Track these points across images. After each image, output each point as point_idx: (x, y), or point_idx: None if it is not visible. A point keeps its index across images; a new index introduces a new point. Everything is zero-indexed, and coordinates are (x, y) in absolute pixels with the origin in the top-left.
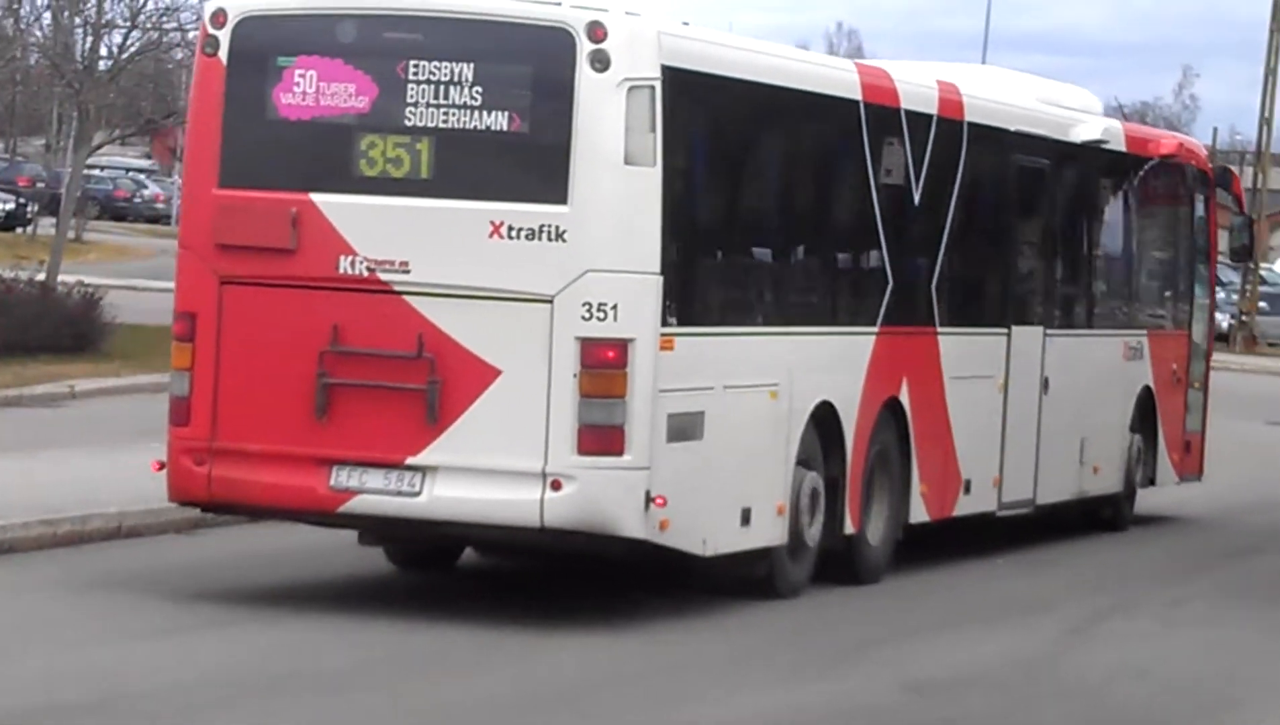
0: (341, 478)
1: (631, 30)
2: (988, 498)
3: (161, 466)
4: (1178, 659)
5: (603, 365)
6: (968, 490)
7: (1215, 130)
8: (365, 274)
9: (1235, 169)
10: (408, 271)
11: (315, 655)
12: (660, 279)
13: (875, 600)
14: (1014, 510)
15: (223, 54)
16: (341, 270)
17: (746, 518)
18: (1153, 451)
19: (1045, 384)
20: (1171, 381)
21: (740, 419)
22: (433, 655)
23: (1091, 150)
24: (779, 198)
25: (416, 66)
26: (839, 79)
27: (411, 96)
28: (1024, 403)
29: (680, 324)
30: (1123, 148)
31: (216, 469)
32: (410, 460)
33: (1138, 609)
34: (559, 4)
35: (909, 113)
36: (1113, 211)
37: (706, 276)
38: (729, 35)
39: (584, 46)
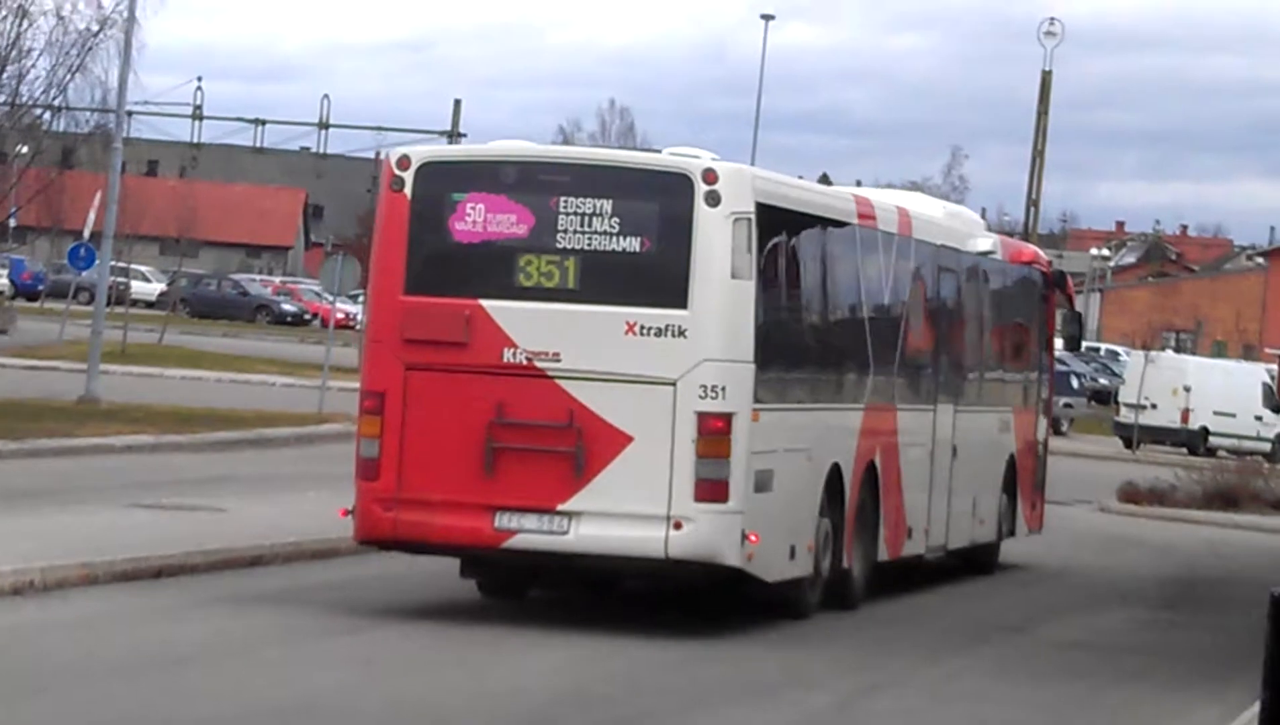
0: (504, 520)
1: (734, 174)
2: (920, 543)
3: (348, 513)
4: None
5: (714, 433)
6: (910, 536)
7: (984, 210)
8: (525, 362)
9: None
10: (559, 361)
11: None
12: (754, 367)
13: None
14: (934, 554)
15: (407, 190)
16: (505, 359)
17: (792, 553)
18: (1013, 509)
19: (954, 451)
20: (1027, 450)
21: (791, 476)
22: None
23: (984, 259)
24: (818, 304)
25: (565, 202)
26: (839, 206)
27: (561, 225)
28: (942, 466)
29: (762, 402)
30: (1001, 256)
31: (401, 514)
32: (560, 506)
33: (907, 685)
34: (698, 156)
35: (883, 233)
36: (994, 307)
37: (778, 365)
38: (791, 178)
39: (700, 188)
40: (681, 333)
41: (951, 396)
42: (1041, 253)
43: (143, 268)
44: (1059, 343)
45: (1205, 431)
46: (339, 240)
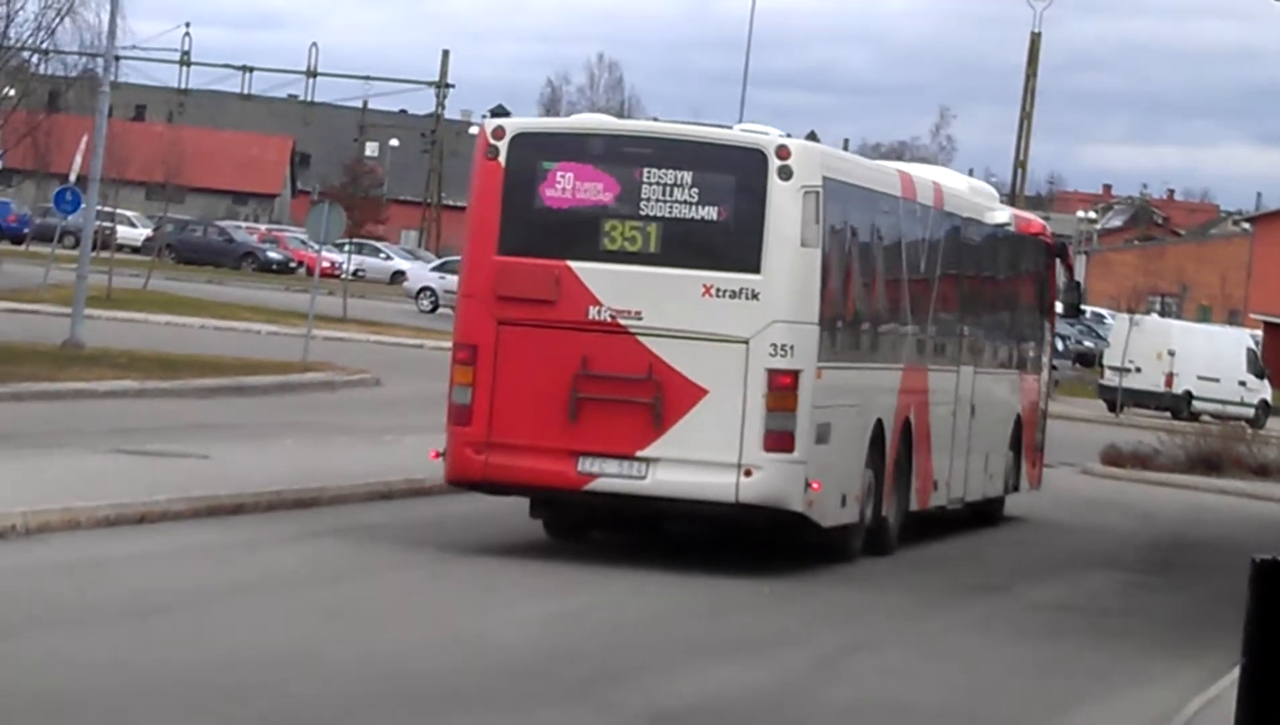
0: (586, 465)
1: (805, 150)
2: (944, 495)
3: (439, 455)
4: (928, 692)
5: (782, 388)
6: (936, 488)
7: (971, 171)
8: (608, 320)
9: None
10: (640, 318)
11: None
12: (818, 328)
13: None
14: (954, 505)
15: (501, 159)
16: (590, 317)
17: (843, 501)
18: (1018, 466)
19: (973, 410)
20: (1030, 411)
21: (844, 429)
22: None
23: (1000, 231)
24: (869, 271)
25: (648, 172)
26: (888, 180)
27: (644, 193)
28: (963, 423)
29: (824, 361)
30: (1014, 228)
31: (491, 458)
32: (639, 453)
33: (888, 643)
34: (767, 132)
35: (920, 206)
36: (1008, 276)
37: (836, 327)
38: (850, 155)
39: (773, 162)
40: (754, 295)
41: (971, 359)
42: (1045, 224)
43: (128, 213)
44: (1059, 309)
45: (1189, 396)
46: (325, 188)
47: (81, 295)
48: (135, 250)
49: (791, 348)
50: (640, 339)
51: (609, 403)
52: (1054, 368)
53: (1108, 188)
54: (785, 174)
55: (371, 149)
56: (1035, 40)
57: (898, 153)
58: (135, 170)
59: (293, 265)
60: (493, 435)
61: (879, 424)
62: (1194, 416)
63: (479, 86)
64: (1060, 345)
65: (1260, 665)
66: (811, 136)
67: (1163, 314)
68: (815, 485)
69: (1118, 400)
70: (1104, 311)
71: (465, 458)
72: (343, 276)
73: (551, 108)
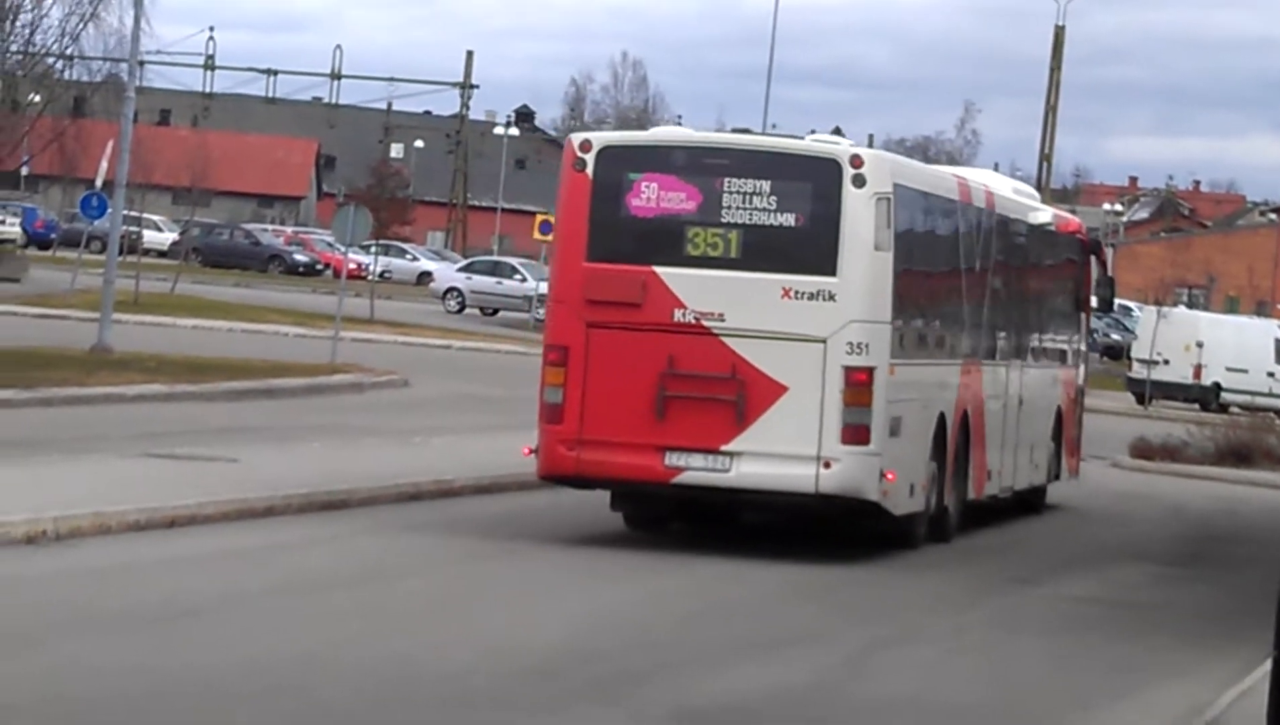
0: (673, 459)
1: (877, 159)
2: (996, 485)
3: (532, 452)
4: (958, 688)
5: (858, 384)
6: (989, 478)
7: (996, 165)
8: (693, 322)
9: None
10: (723, 320)
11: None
12: (891, 327)
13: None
14: (1005, 494)
15: (589, 171)
16: (676, 318)
17: (912, 490)
18: (1059, 456)
19: (1020, 402)
20: (1070, 403)
21: (912, 423)
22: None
23: (1043, 230)
24: (933, 272)
25: (729, 182)
26: (948, 185)
27: (725, 202)
28: (1012, 415)
29: (895, 358)
30: (1054, 228)
31: (582, 454)
32: (723, 447)
33: (917, 638)
34: (838, 142)
35: (975, 208)
36: (1049, 274)
37: (905, 326)
38: (915, 162)
39: (848, 171)
40: (831, 297)
41: (1020, 353)
42: (1082, 222)
43: (155, 217)
44: (1093, 304)
45: (1218, 387)
46: (351, 191)
47: (109, 300)
48: (162, 254)
49: (866, 346)
50: (723, 339)
51: (694, 400)
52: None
53: (1134, 180)
54: (859, 181)
55: (397, 150)
56: (1059, 33)
57: (923, 148)
58: (161, 175)
59: (319, 267)
60: (584, 432)
61: (941, 417)
62: (1223, 408)
63: (502, 86)
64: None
65: None
66: (836, 133)
67: (1190, 306)
68: (890, 476)
69: (1146, 393)
70: (1131, 304)
71: (558, 454)
72: (369, 278)
73: (576, 107)
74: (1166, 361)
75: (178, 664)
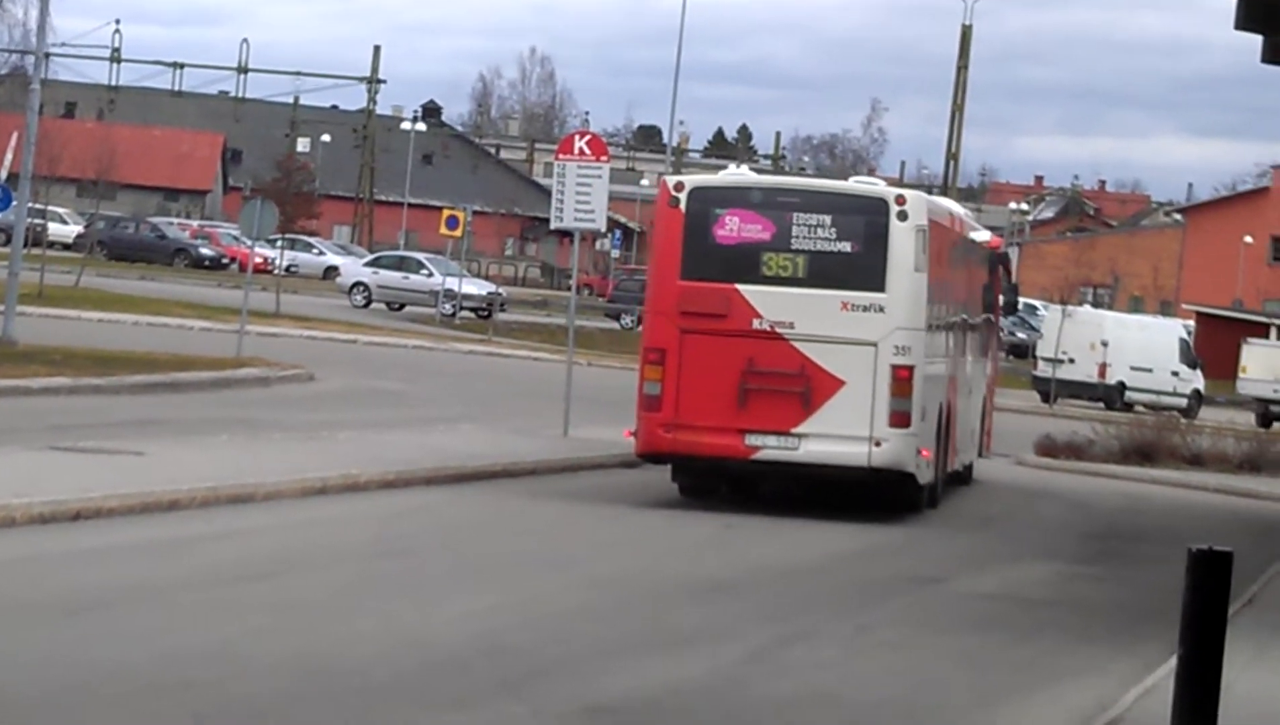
0: (752, 439)
1: (916, 199)
2: (958, 462)
3: (632, 434)
4: (862, 685)
5: (902, 379)
6: (956, 455)
7: (903, 163)
8: (768, 329)
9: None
10: (793, 328)
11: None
12: (925, 333)
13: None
14: (958, 468)
15: (682, 207)
16: (754, 326)
17: (929, 465)
18: (980, 437)
19: (969, 392)
20: (989, 391)
21: (930, 410)
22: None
23: (980, 246)
24: (943, 287)
25: (797, 216)
26: (949, 217)
27: (794, 232)
28: (965, 403)
29: (926, 357)
30: (986, 243)
31: (677, 435)
32: (793, 430)
33: (821, 636)
34: (875, 184)
35: (959, 234)
36: (981, 282)
37: (930, 331)
38: (936, 200)
39: (893, 208)
40: (880, 309)
41: (971, 351)
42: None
43: (60, 210)
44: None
45: (1122, 386)
46: (257, 185)
47: (14, 292)
48: (67, 247)
49: (908, 348)
50: (793, 343)
51: (769, 392)
52: (997, 359)
53: (1039, 179)
54: (903, 217)
55: (303, 145)
56: (966, 32)
57: (830, 145)
58: (66, 167)
59: (225, 261)
60: (678, 418)
61: (940, 406)
62: (1127, 407)
63: (411, 82)
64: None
65: (1197, 655)
66: (743, 131)
67: (1095, 305)
68: (924, 452)
69: (1051, 391)
70: (1036, 303)
71: (656, 435)
72: (275, 272)
73: (483, 102)
74: (1072, 360)
75: (87, 657)
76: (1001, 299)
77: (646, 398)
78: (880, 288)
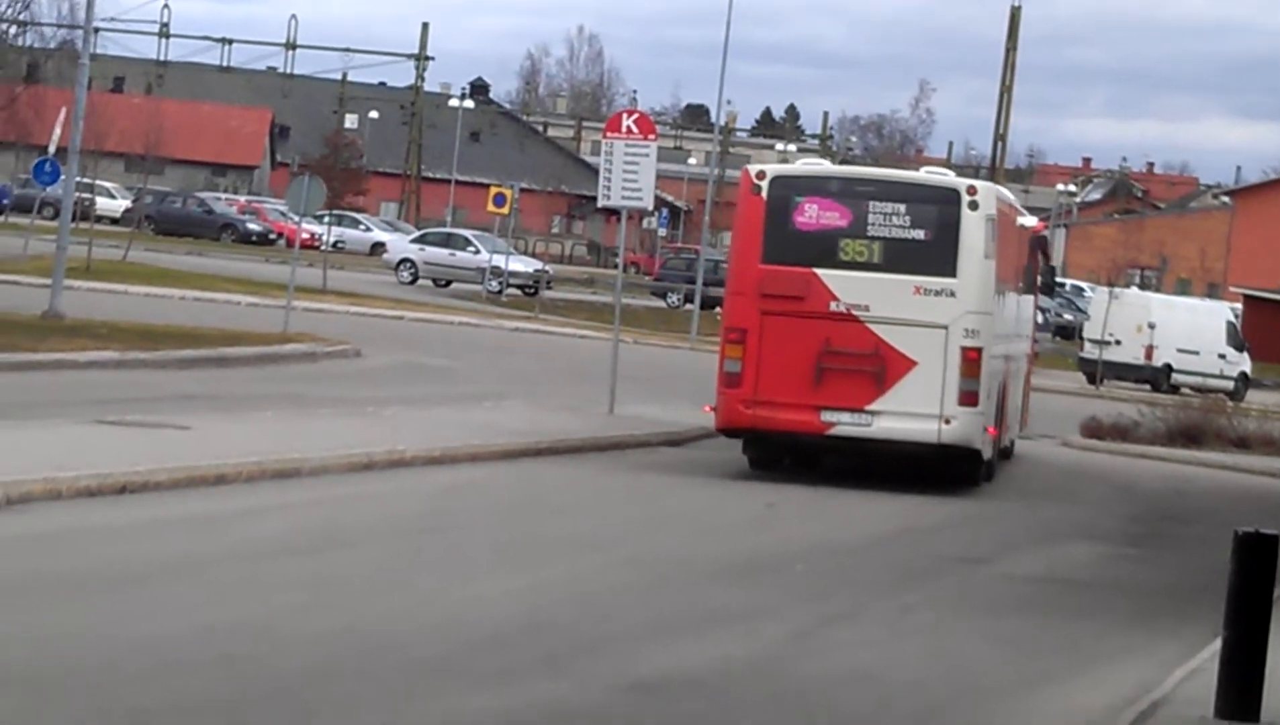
0: (828, 416)
1: (986, 190)
2: (1006, 439)
3: (712, 409)
4: (904, 665)
5: (971, 360)
6: (1006, 432)
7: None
8: (845, 311)
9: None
10: (868, 310)
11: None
12: (993, 317)
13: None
14: (1005, 445)
15: (763, 194)
16: (831, 308)
17: (993, 442)
18: (1021, 414)
19: (1015, 372)
20: (1029, 370)
21: (992, 390)
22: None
23: (1026, 230)
24: (1005, 272)
25: (873, 205)
26: (1009, 206)
27: (870, 220)
28: (1012, 382)
29: (989, 339)
30: (1032, 227)
31: (757, 412)
32: (867, 407)
33: (864, 616)
34: (946, 174)
35: (1013, 221)
36: (1026, 265)
37: (994, 314)
38: (1001, 189)
39: (965, 197)
40: (951, 293)
41: (1020, 332)
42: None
43: (108, 184)
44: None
45: (1169, 368)
46: (305, 160)
47: (61, 266)
48: (114, 221)
49: (977, 331)
50: (868, 325)
51: (844, 371)
52: (1036, 339)
53: (1087, 161)
54: (974, 206)
55: (351, 121)
56: (1015, 13)
57: (877, 126)
58: (114, 142)
59: (272, 237)
60: (758, 394)
61: (1001, 386)
62: (1174, 389)
63: (459, 58)
64: (1041, 318)
65: (1241, 638)
66: (791, 111)
67: (1142, 287)
68: (991, 430)
69: (1098, 373)
70: (1084, 284)
71: (736, 411)
72: (322, 248)
73: (530, 80)
74: (1118, 342)
75: (129, 632)
76: (1040, 280)
77: (727, 375)
78: (952, 273)
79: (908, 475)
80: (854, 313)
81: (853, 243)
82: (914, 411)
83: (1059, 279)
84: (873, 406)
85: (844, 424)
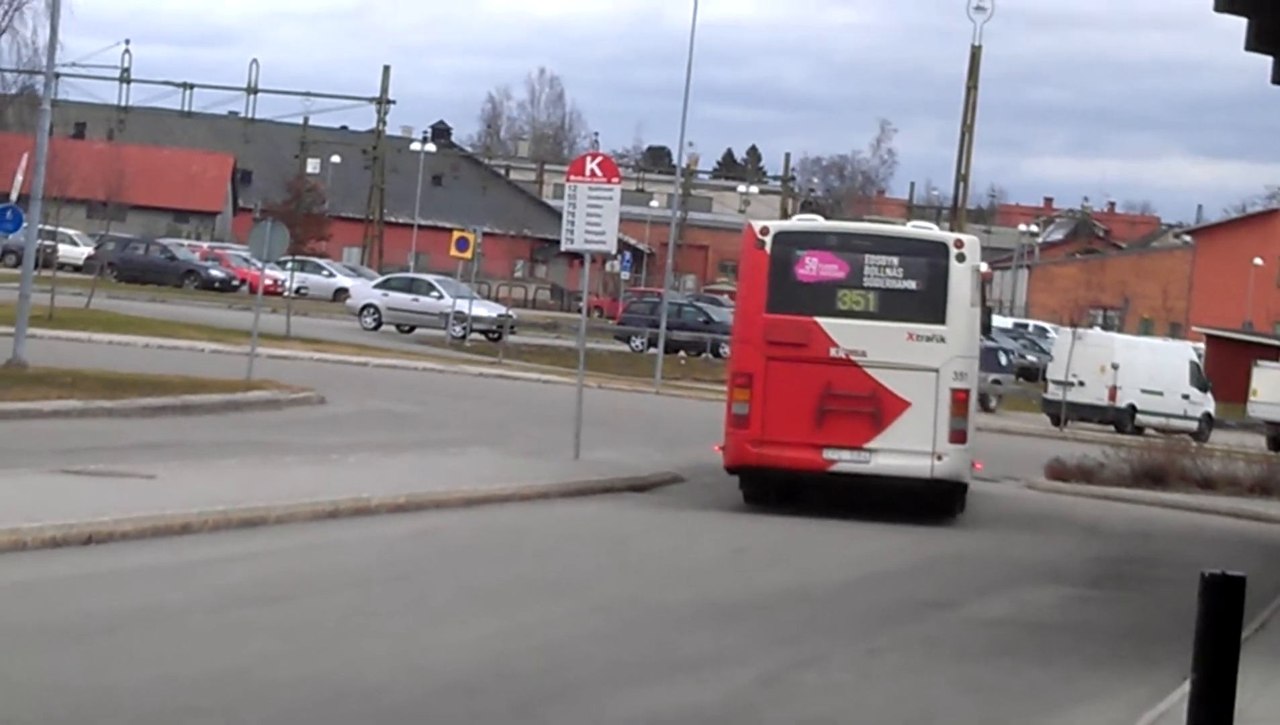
0: (829, 454)
1: (972, 243)
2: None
3: (721, 449)
4: (872, 711)
5: (960, 401)
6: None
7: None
8: (844, 356)
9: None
10: (865, 356)
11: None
12: (977, 358)
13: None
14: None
15: (767, 249)
16: (831, 354)
17: (974, 475)
18: None
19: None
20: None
21: (972, 428)
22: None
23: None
24: (984, 319)
25: (869, 258)
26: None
27: (866, 272)
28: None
29: (974, 380)
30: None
31: (763, 450)
32: (865, 445)
33: (832, 661)
34: (932, 229)
35: (981, 272)
36: (980, 304)
37: (978, 357)
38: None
39: (953, 251)
40: (941, 339)
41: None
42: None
43: (70, 231)
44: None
45: (1133, 409)
46: (267, 206)
47: (24, 314)
48: (77, 269)
49: (964, 374)
50: (865, 369)
51: (844, 413)
52: (997, 381)
53: (1049, 201)
54: (960, 258)
55: (313, 166)
56: (975, 53)
57: (839, 167)
58: (76, 188)
59: (235, 283)
60: (765, 434)
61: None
62: (1138, 430)
63: (420, 101)
64: (1004, 359)
65: (1210, 680)
66: (753, 152)
67: (1105, 327)
68: (978, 465)
69: (1061, 414)
70: (1046, 325)
71: (744, 450)
72: (285, 294)
73: (492, 123)
74: (1082, 383)
75: (97, 683)
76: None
77: (735, 417)
78: (941, 321)
79: (880, 516)
80: (852, 358)
81: (850, 293)
82: (908, 449)
83: (1021, 320)
84: (870, 444)
85: (844, 461)
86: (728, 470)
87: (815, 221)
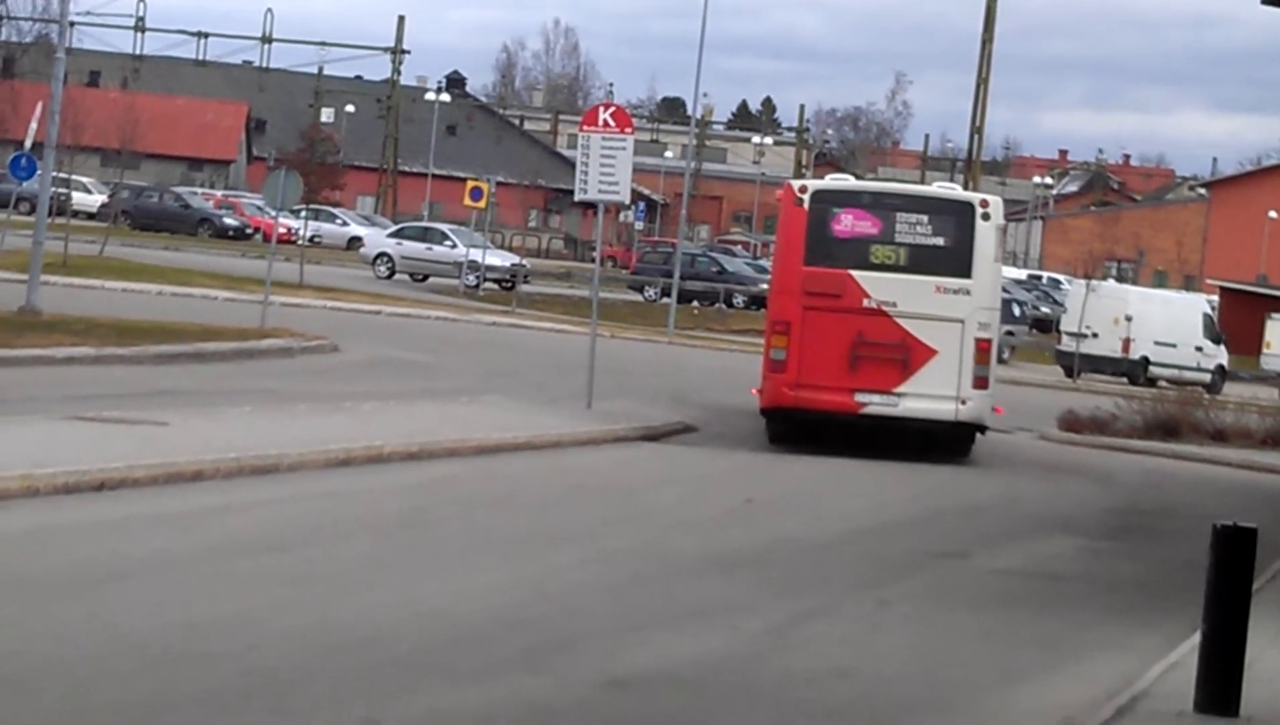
0: (860, 397)
1: (996, 203)
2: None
3: (758, 392)
4: (882, 660)
5: (983, 350)
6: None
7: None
8: (876, 307)
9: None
10: (896, 306)
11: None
12: (999, 310)
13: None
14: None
15: (805, 206)
16: (864, 305)
17: (990, 416)
18: None
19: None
20: None
21: (993, 375)
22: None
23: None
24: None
25: (900, 216)
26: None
27: (898, 228)
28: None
29: (996, 330)
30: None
31: (799, 393)
32: (894, 390)
33: (842, 611)
34: (957, 189)
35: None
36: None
37: (1000, 309)
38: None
39: (978, 210)
40: (967, 292)
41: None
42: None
43: (84, 179)
44: None
45: (1146, 361)
46: (281, 155)
47: (38, 261)
48: (91, 216)
49: (988, 324)
50: (896, 319)
51: (875, 359)
52: (1010, 332)
53: (1064, 153)
54: (985, 217)
55: (327, 115)
56: (991, 5)
57: (854, 119)
58: (90, 136)
59: (249, 231)
60: (800, 378)
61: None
62: (1151, 382)
63: (435, 51)
64: (1017, 311)
65: (1220, 631)
66: (767, 104)
67: (1119, 279)
68: (999, 410)
69: (1075, 366)
70: (1060, 277)
71: (781, 393)
72: (299, 242)
73: (506, 73)
74: (1095, 335)
75: (110, 628)
76: None
77: (773, 362)
78: (967, 274)
79: (892, 466)
80: (884, 308)
81: (882, 248)
82: (935, 393)
83: (1036, 272)
84: (899, 389)
85: (875, 404)
86: (762, 412)
87: (850, 181)
